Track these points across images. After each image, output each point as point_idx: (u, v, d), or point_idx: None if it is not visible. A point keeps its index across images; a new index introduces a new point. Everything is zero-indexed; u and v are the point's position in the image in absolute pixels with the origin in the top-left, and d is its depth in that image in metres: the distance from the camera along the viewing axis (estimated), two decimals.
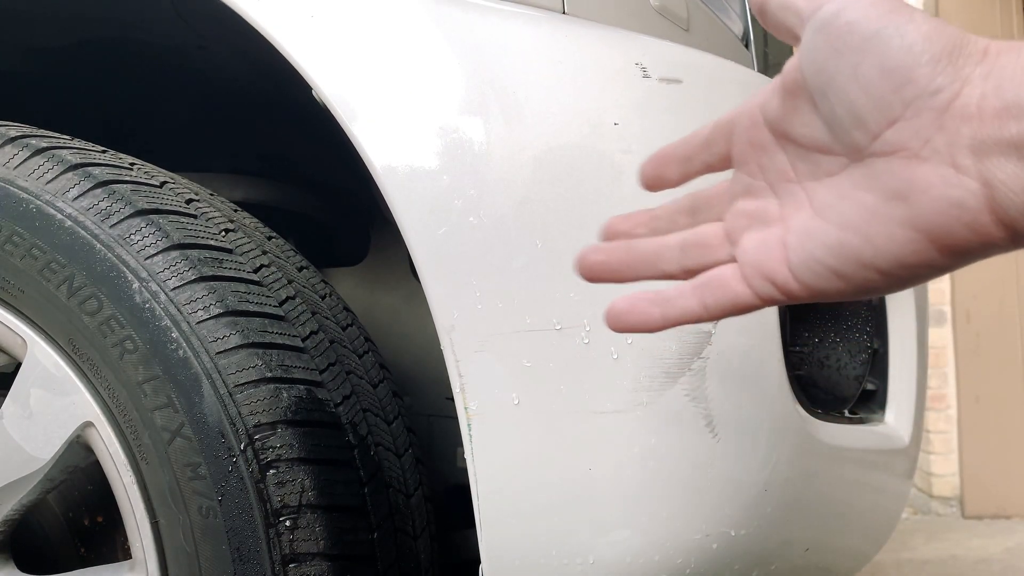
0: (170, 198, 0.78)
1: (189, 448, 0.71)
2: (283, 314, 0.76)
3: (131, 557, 0.74)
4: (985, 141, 0.35)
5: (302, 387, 0.74)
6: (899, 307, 1.11)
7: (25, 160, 0.77)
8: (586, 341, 0.72)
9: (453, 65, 0.77)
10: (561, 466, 0.72)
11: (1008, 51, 0.36)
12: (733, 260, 0.44)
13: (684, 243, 0.46)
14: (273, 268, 0.80)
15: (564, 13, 0.82)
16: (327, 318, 0.83)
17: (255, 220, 0.88)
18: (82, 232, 0.74)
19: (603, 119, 0.75)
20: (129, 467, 0.73)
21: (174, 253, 0.74)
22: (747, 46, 1.18)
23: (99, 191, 0.75)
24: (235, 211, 0.86)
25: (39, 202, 0.75)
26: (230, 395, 0.71)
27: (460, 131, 0.74)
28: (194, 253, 0.74)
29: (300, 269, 0.86)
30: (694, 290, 0.45)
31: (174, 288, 0.73)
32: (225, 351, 0.72)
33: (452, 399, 0.73)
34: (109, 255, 0.73)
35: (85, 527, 0.90)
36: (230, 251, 0.77)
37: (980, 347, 3.36)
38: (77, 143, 0.81)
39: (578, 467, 0.72)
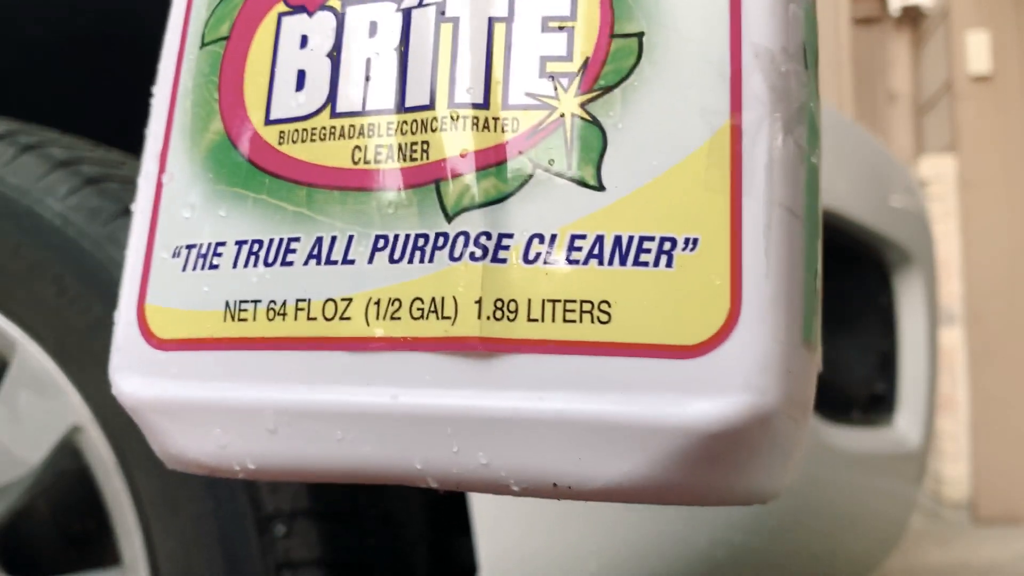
0: None
1: None
2: None
3: (122, 563, 0.73)
4: None
5: None
6: (909, 308, 1.10)
7: (14, 158, 0.76)
8: None
9: None
10: None
11: None
12: None
13: None
14: None
15: None
16: None
17: None
18: (71, 230, 0.73)
19: None
20: (119, 472, 0.71)
21: None
22: None
23: (89, 189, 0.74)
24: None
25: (28, 200, 0.74)
26: None
27: None
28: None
29: None
30: None
31: None
32: None
33: None
34: (99, 254, 0.72)
35: (75, 532, 0.89)
36: None
37: (992, 348, 3.34)
38: (67, 140, 0.80)
39: None
